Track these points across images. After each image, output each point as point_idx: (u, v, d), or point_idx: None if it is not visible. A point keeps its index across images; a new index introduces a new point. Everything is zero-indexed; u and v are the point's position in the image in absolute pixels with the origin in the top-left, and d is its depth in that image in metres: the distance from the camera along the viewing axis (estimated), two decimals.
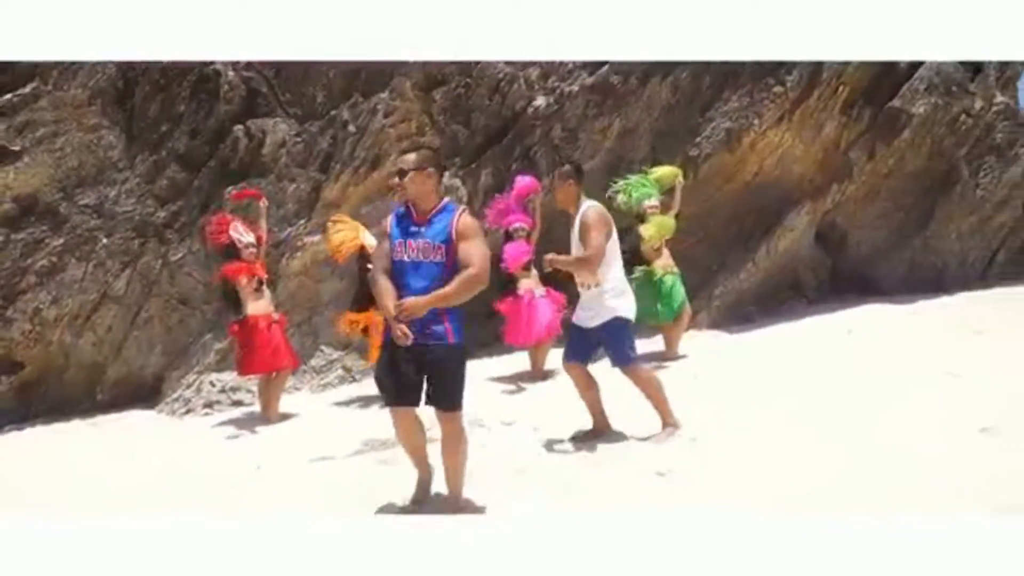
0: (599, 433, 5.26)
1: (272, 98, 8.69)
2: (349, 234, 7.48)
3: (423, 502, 4.30)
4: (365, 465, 5.28)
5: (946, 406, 4.51)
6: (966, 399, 4.65)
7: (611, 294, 5.12)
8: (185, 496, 4.84)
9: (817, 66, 9.24)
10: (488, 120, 9.13)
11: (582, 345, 5.26)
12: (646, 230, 7.60)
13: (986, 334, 6.66)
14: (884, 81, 9.90)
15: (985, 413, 4.33)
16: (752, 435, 4.67)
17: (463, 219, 4.03)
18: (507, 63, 9.12)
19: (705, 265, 9.61)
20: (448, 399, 4.00)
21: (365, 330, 7.39)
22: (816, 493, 3.49)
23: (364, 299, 7.36)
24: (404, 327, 3.85)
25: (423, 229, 3.99)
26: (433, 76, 8.98)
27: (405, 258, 4.00)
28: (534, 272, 7.65)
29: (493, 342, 8.99)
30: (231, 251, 7.31)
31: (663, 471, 4.29)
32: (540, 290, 7.63)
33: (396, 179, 4.11)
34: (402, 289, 3.97)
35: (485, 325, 9.49)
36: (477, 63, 9.06)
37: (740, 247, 9.82)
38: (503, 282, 7.71)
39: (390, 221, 4.15)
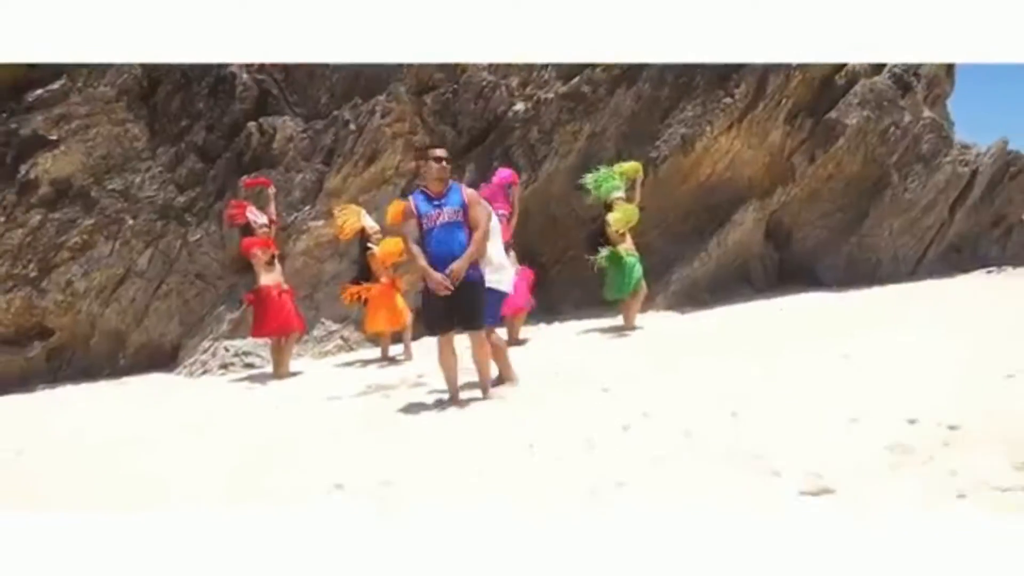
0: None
1: (281, 98, 9.67)
2: (352, 218, 8.46)
3: (456, 399, 5.55)
4: (371, 399, 6.22)
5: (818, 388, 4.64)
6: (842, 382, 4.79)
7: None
8: (217, 431, 5.53)
9: (762, 80, 10.31)
10: (473, 122, 10.09)
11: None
12: (613, 217, 8.51)
13: (880, 326, 6.99)
14: (823, 95, 11.01)
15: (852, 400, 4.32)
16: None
17: (468, 191, 5.52)
18: (490, 72, 10.14)
19: (664, 254, 10.54)
20: (476, 320, 5.42)
21: (365, 301, 8.32)
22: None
23: (364, 273, 8.38)
24: (446, 283, 5.19)
25: (443, 201, 5.36)
26: (424, 82, 9.97)
27: (437, 223, 5.32)
28: (512, 252, 8.53)
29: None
30: (247, 231, 8.23)
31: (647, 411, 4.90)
32: (516, 267, 8.50)
33: (443, 164, 5.39)
34: (434, 251, 5.28)
35: None
36: (464, 71, 10.05)
37: (695, 239, 10.77)
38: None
39: (413, 203, 5.45)
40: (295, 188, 9.38)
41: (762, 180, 11.12)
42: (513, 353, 7.84)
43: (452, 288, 5.19)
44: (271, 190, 8.53)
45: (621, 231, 8.53)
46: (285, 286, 8.19)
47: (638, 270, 8.70)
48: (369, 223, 8.45)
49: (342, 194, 9.40)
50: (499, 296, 5.82)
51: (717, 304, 10.21)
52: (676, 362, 6.24)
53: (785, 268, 11.78)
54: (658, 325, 8.98)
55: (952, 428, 3.63)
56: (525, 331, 8.90)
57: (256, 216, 8.13)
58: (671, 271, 10.59)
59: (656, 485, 3.09)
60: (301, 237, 9.30)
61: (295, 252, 9.31)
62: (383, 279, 8.34)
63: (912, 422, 3.79)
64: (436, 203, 5.38)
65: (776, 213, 11.48)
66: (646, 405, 4.54)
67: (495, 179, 8.67)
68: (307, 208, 9.35)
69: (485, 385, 5.61)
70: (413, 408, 5.69)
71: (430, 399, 5.93)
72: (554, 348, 7.94)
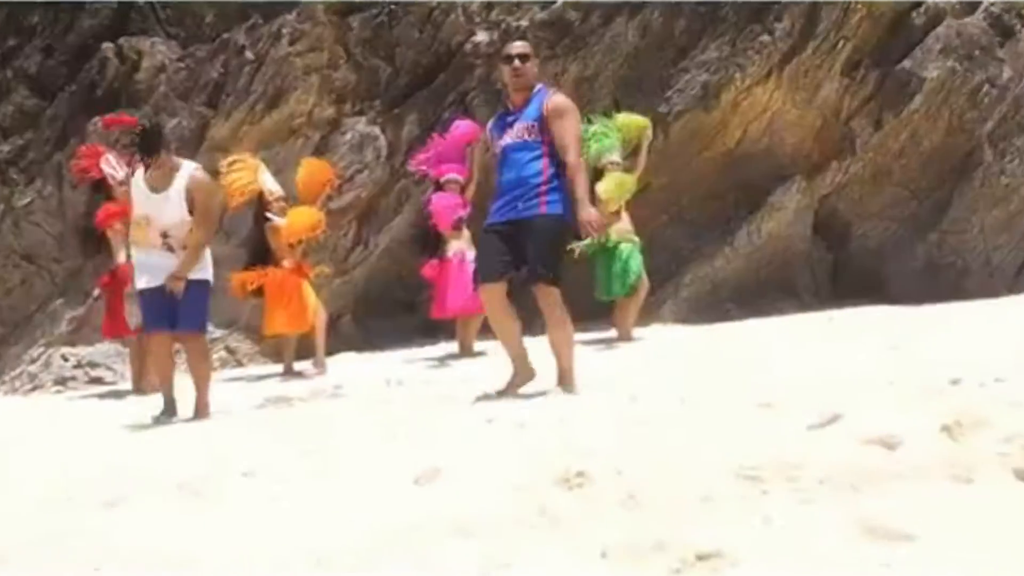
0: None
1: (150, 13, 9.93)
2: (246, 176, 8.71)
3: (519, 385, 5.79)
4: (269, 414, 6.41)
5: None
6: None
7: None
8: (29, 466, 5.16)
9: (812, 12, 10.73)
10: (416, 56, 10.36)
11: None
12: (604, 188, 8.77)
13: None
14: (894, 38, 11.45)
15: None
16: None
17: (554, 97, 5.77)
18: None
19: (674, 248, 10.89)
20: (545, 268, 5.58)
21: (259, 291, 8.58)
22: None
23: (260, 254, 8.66)
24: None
25: (516, 116, 5.69)
26: None
27: (500, 143, 5.72)
28: (466, 232, 8.86)
29: (412, 336, 10.24)
30: (102, 189, 8.46)
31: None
32: (472, 253, 8.78)
33: (516, 64, 5.72)
34: (499, 178, 5.73)
35: (401, 317, 10.80)
36: None
37: (718, 229, 11.11)
38: (429, 242, 8.95)
39: (487, 126, 6.04)
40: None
41: (810, 151, 11.46)
42: (460, 369, 8.28)
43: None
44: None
45: (614, 207, 8.82)
46: None
47: (637, 262, 9.03)
48: (271, 184, 8.72)
49: (233, 147, 9.57)
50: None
51: (744, 318, 10.45)
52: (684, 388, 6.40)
53: (840, 274, 12.12)
54: (664, 338, 9.28)
55: None
56: (483, 344, 8.96)
57: (115, 170, 8.34)
58: (683, 270, 10.91)
59: None
60: None
61: None
62: (287, 263, 8.60)
63: None
64: (510, 119, 5.75)
65: (829, 198, 11.83)
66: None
67: (451, 133, 9.01)
68: None
69: (565, 369, 5.76)
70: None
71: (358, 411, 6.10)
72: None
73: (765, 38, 10.62)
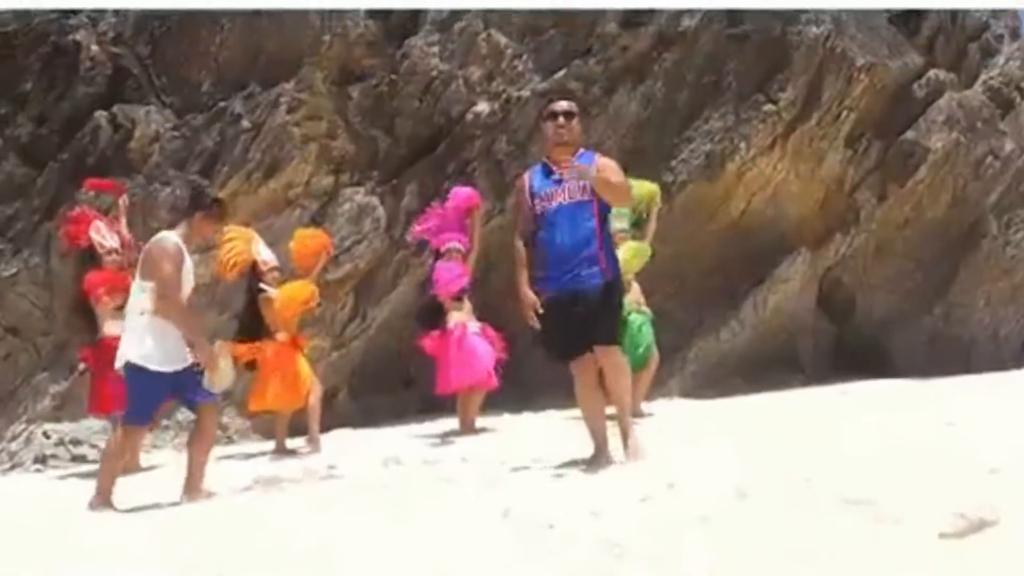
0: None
1: (145, 81, 9.68)
2: (240, 246, 8.33)
3: (601, 464, 5.55)
4: (253, 500, 5.87)
5: None
6: None
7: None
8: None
9: (816, 82, 10.58)
10: (416, 126, 10.14)
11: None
12: (621, 259, 8.32)
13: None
14: (896, 109, 11.33)
15: None
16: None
17: (602, 160, 5.70)
18: (443, 58, 10.24)
19: (679, 322, 10.56)
20: (610, 332, 5.61)
21: (251, 364, 8.13)
22: None
23: (253, 327, 8.25)
24: (535, 307, 5.55)
25: (567, 175, 5.50)
26: (350, 68, 10.03)
27: (551, 204, 5.52)
28: (467, 304, 8.51)
29: (410, 412, 9.88)
30: (89, 258, 8.03)
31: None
32: (474, 325, 8.46)
33: (560, 120, 5.62)
34: (550, 241, 5.51)
35: (400, 393, 10.37)
36: (406, 55, 10.14)
37: (722, 302, 10.87)
38: (430, 313, 8.53)
39: (526, 179, 5.74)
40: (159, 207, 9.27)
41: (814, 223, 11.33)
42: (462, 447, 7.79)
43: (537, 315, 5.51)
44: (123, 200, 8.43)
45: (630, 276, 8.49)
46: None
47: (648, 333, 8.69)
48: (265, 255, 8.36)
49: (228, 219, 9.18)
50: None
51: (752, 392, 10.28)
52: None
53: (845, 347, 11.92)
54: (678, 413, 8.87)
55: None
56: (484, 420, 8.79)
57: (104, 237, 7.99)
58: (689, 345, 10.66)
59: None
60: None
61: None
62: (281, 336, 8.18)
63: None
64: (556, 178, 5.56)
65: (833, 270, 11.67)
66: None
67: (450, 201, 8.69)
68: None
69: (625, 430, 5.67)
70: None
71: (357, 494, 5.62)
72: (529, 438, 7.73)
73: (769, 108, 10.46)
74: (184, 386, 6.02)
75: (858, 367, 11.27)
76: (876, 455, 4.91)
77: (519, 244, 5.74)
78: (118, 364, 6.02)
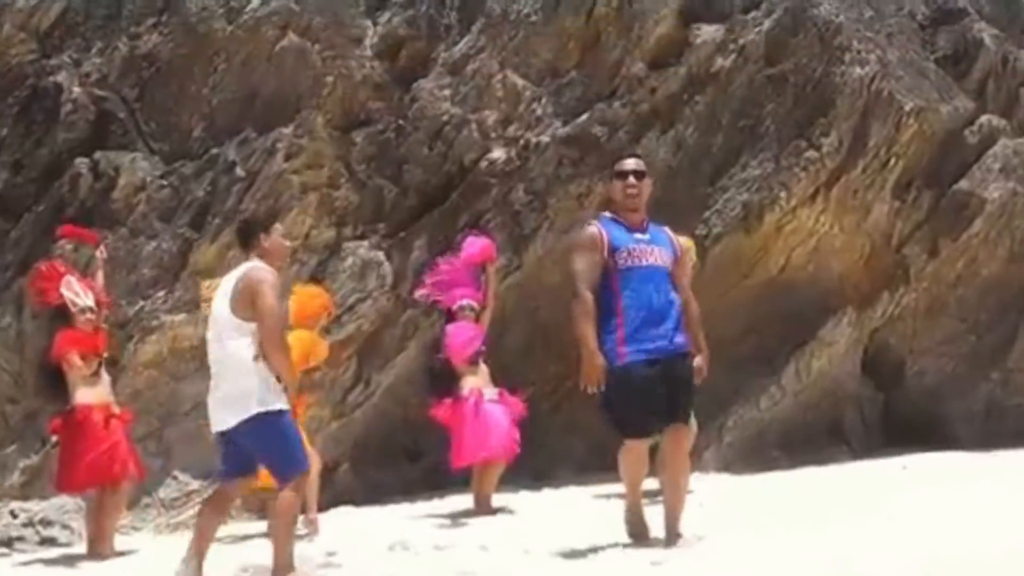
0: None
1: (131, 126, 9.13)
2: None
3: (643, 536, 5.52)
4: None
5: None
6: None
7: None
8: None
9: (862, 127, 9.97)
10: (426, 175, 9.62)
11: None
12: None
13: None
14: (947, 156, 10.73)
15: None
16: None
17: (683, 239, 5.89)
18: (455, 102, 9.72)
19: (713, 387, 9.42)
20: (690, 409, 5.72)
21: None
22: None
23: None
24: (600, 377, 5.29)
25: (648, 236, 5.49)
26: (354, 112, 9.54)
27: (642, 263, 5.40)
28: (483, 368, 7.90)
29: (419, 488, 9.30)
30: (62, 317, 7.44)
31: None
32: (491, 391, 7.85)
33: (631, 180, 5.55)
34: (638, 302, 5.34)
35: (406, 467, 9.84)
36: (414, 99, 9.65)
37: (761, 366, 10.25)
38: (441, 378, 7.92)
39: (599, 230, 5.51)
40: (143, 263, 8.76)
41: (859, 280, 10.72)
42: (478, 530, 7.13)
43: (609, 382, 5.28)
44: (100, 253, 7.94)
45: None
46: (116, 408, 7.47)
47: None
48: None
49: (219, 274, 8.54)
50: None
51: (792, 466, 9.79)
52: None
53: (893, 416, 11.34)
54: (714, 489, 8.21)
55: None
56: (500, 497, 8.15)
57: (77, 294, 7.46)
58: (725, 413, 10.05)
59: None
60: (148, 339, 8.62)
61: (137, 362, 8.62)
62: None
63: None
64: (639, 236, 5.49)
65: (879, 332, 11.06)
66: None
67: (462, 253, 8.23)
68: (161, 294, 8.74)
69: (678, 517, 5.48)
70: None
71: None
72: (553, 521, 7.03)
73: (811, 154, 9.86)
74: None
75: (908, 438, 10.70)
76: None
77: (588, 296, 5.38)
78: (240, 419, 5.31)
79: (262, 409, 5.23)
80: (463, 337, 7.74)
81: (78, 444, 7.15)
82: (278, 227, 5.77)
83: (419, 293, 8.49)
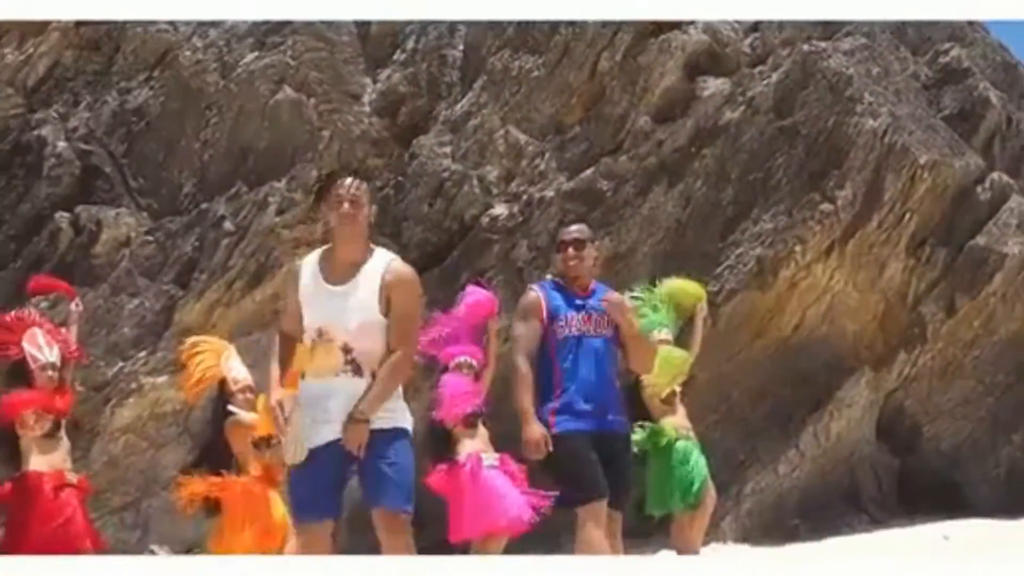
0: None
1: (118, 181, 8.41)
2: (208, 360, 6.64)
3: None
4: None
5: None
6: None
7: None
8: None
9: (876, 181, 9.04)
10: (426, 232, 8.88)
11: None
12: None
13: None
14: (959, 214, 9.82)
15: None
16: None
17: (615, 294, 4.99)
18: (455, 158, 8.97)
19: (726, 453, 8.91)
20: (626, 497, 4.91)
21: (216, 505, 6.30)
22: None
23: (220, 458, 6.42)
24: (545, 444, 4.61)
25: (588, 302, 4.80)
26: (351, 167, 8.43)
27: (573, 331, 4.76)
28: (482, 430, 6.64)
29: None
30: (19, 374, 6.34)
31: None
32: (491, 456, 6.54)
33: (570, 252, 4.82)
34: (574, 373, 4.73)
35: None
36: (414, 156, 8.94)
37: (776, 430, 9.30)
38: (436, 442, 6.67)
39: (542, 295, 4.86)
40: (124, 321, 8.02)
41: (874, 340, 9.78)
42: None
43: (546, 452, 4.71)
44: (75, 306, 6.92)
45: (664, 391, 6.77)
46: (72, 476, 6.33)
47: (700, 464, 6.82)
48: (237, 371, 6.60)
49: (206, 333, 7.81)
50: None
51: (812, 535, 8.96)
52: None
53: (908, 481, 10.29)
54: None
55: None
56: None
57: (40, 348, 6.39)
58: (741, 480, 9.05)
59: None
60: (126, 402, 7.88)
61: (114, 427, 7.82)
62: (252, 469, 6.31)
63: None
64: (579, 302, 4.85)
65: (895, 394, 10.06)
66: None
67: (463, 305, 7.00)
68: (142, 355, 7.97)
69: None
70: None
71: None
72: None
73: (826, 207, 8.91)
74: None
75: (926, 505, 9.74)
76: None
77: (526, 366, 4.78)
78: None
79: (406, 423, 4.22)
80: (457, 394, 6.47)
81: (26, 514, 6.08)
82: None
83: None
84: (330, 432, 3.77)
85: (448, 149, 9.00)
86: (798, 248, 8.82)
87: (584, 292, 4.89)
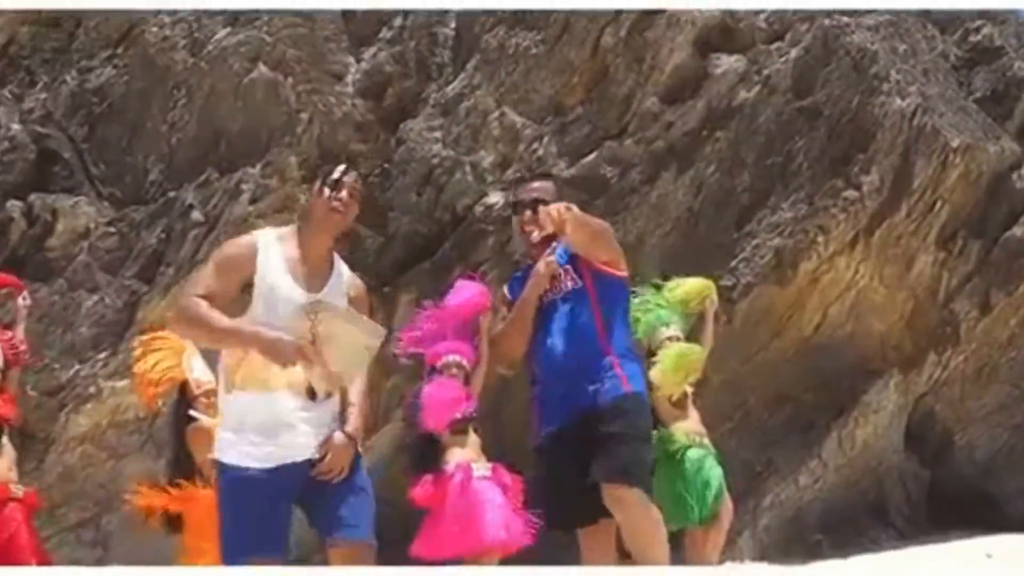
0: None
1: (78, 168, 8.12)
2: (169, 360, 6.25)
3: None
4: None
5: None
6: None
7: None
8: None
9: (905, 166, 8.69)
10: (414, 223, 8.57)
11: None
12: (659, 371, 6.29)
13: None
14: (993, 204, 9.50)
15: None
16: None
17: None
18: (446, 143, 8.60)
19: (742, 463, 8.63)
20: (626, 464, 4.01)
21: (177, 521, 5.93)
22: None
23: (182, 466, 6.02)
24: None
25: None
26: (333, 153, 8.29)
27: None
28: (474, 437, 6.19)
29: None
30: None
31: None
32: (482, 466, 6.09)
33: (526, 216, 4.39)
34: (541, 353, 4.33)
35: (393, 561, 8.58)
36: (401, 141, 8.58)
37: (796, 438, 9.01)
38: (422, 452, 6.22)
39: (505, 292, 4.69)
40: (82, 320, 7.75)
41: (901, 340, 9.44)
42: None
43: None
44: (22, 300, 6.73)
45: (676, 393, 6.42)
46: (18, 489, 6.15)
47: (716, 473, 6.46)
48: (200, 373, 6.20)
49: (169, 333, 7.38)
50: None
51: (836, 551, 8.75)
52: None
53: (939, 494, 10.05)
54: None
55: None
56: None
57: None
58: (759, 491, 8.74)
59: None
60: (83, 408, 7.60)
61: (69, 436, 7.59)
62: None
63: None
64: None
65: (924, 399, 9.78)
66: None
67: (451, 299, 6.56)
68: (101, 356, 7.70)
69: None
70: None
71: None
72: None
73: (850, 194, 8.53)
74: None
75: (957, 519, 9.53)
76: None
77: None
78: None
79: None
80: (442, 397, 6.00)
81: None
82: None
83: (398, 349, 6.86)
84: (287, 452, 3.41)
85: (439, 134, 8.66)
86: (820, 239, 8.49)
87: (533, 261, 4.44)
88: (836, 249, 8.62)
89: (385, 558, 8.28)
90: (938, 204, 8.95)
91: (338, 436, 3.47)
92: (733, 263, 8.55)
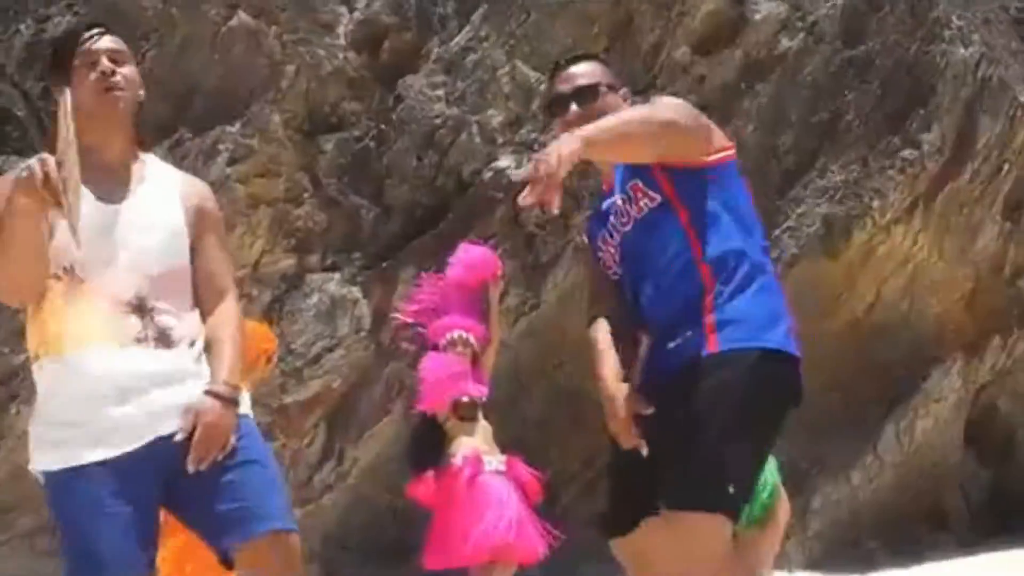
0: None
1: (33, 126, 7.53)
2: None
3: None
4: None
5: None
6: None
7: None
8: None
9: (966, 126, 8.43)
10: (414, 191, 8.25)
11: None
12: None
13: None
14: None
15: None
16: None
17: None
18: (449, 101, 8.22)
19: (789, 460, 7.98)
20: (700, 480, 2.97)
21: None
22: None
23: None
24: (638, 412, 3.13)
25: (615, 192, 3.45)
26: (323, 112, 8.06)
27: (612, 250, 3.38)
28: (484, 424, 5.82)
29: None
30: None
31: None
32: (495, 459, 5.74)
33: (571, 114, 3.27)
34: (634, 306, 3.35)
35: (395, 566, 8.06)
36: (400, 98, 8.16)
37: (848, 432, 8.69)
38: (424, 443, 5.86)
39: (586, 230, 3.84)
40: None
41: (962, 323, 9.16)
42: None
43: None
44: None
45: None
46: None
47: (769, 467, 5.76)
48: None
49: None
50: None
51: (892, 559, 8.52)
52: None
53: (1002, 498, 9.80)
54: None
55: None
56: None
57: None
58: (809, 491, 8.47)
59: None
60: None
61: (20, 430, 6.80)
62: None
63: None
64: (606, 203, 3.46)
65: (986, 390, 9.51)
66: None
67: (456, 267, 6.18)
68: None
69: None
70: None
71: None
72: None
73: (909, 153, 8.25)
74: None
75: (1021, 525, 9.20)
76: None
77: (593, 325, 3.47)
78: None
79: None
80: (444, 375, 5.66)
81: None
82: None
83: (395, 324, 6.42)
84: (129, 434, 2.48)
85: (442, 91, 8.26)
86: (876, 204, 8.16)
87: (609, 188, 3.49)
88: (893, 217, 8.33)
89: (390, 568, 7.89)
90: (1005, 167, 8.74)
91: (204, 401, 2.52)
92: (776, 232, 8.17)
